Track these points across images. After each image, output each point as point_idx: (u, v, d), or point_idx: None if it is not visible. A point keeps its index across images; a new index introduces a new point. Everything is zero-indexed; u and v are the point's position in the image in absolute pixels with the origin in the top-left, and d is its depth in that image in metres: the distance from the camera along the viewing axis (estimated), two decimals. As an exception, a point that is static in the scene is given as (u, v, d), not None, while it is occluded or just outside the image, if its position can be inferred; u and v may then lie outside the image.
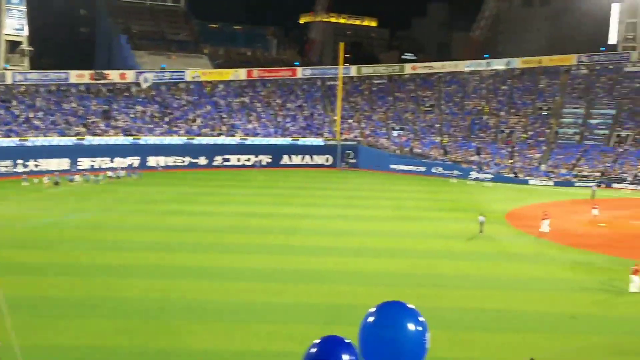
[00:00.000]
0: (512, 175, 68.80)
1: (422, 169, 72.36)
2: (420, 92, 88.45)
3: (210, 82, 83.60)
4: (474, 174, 68.79)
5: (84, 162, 64.12)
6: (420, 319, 4.58)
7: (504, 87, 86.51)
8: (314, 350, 4.61)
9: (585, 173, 67.67)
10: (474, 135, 79.24)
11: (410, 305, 4.67)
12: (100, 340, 19.40)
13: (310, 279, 26.66)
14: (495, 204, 49.23)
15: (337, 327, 21.41)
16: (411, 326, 4.54)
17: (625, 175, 66.00)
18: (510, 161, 71.91)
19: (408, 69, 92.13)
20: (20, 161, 60.98)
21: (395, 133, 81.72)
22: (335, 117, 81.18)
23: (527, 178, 67.63)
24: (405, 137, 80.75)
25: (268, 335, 20.03)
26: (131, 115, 74.02)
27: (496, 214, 43.86)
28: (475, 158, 73.36)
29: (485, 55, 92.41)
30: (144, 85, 76.50)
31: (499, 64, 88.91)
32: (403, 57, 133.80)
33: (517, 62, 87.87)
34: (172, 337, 19.76)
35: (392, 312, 4.70)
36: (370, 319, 4.65)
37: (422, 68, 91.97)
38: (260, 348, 19.15)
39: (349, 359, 4.54)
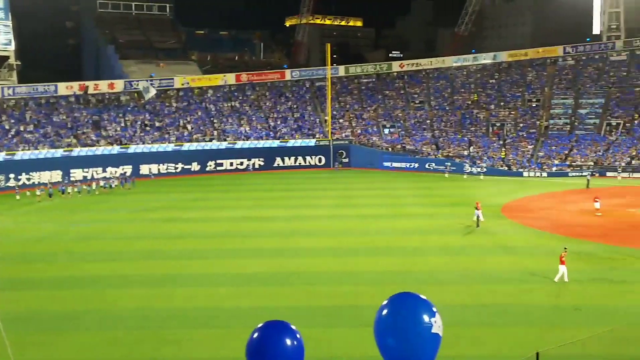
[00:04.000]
0: (505, 168, 69.13)
1: (416, 165, 72.55)
2: (409, 88, 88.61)
3: (199, 87, 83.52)
4: (467, 168, 68.92)
5: (77, 173, 63.88)
6: (431, 306, 5.07)
7: (492, 81, 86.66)
8: (255, 335, 4.84)
9: (578, 163, 67.75)
10: (465, 130, 79.48)
11: (419, 295, 5.12)
12: (95, 352, 19.32)
13: (309, 281, 26.60)
14: (490, 198, 49.08)
15: (338, 330, 21.34)
16: (422, 314, 4.97)
17: (617, 163, 65.95)
18: (503, 154, 71.97)
19: (396, 66, 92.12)
20: (12, 175, 60.53)
21: (386, 131, 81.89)
22: (326, 118, 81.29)
23: (521, 170, 67.90)
24: (397, 134, 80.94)
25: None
26: (122, 125, 73.82)
27: (492, 207, 43.77)
28: (467, 152, 73.44)
29: (472, 50, 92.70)
30: (147, 97, 75.77)
31: (486, 58, 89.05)
32: (390, 55, 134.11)
33: (504, 56, 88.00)
34: (171, 346, 19.61)
35: (403, 302, 5.13)
36: (384, 312, 5.04)
37: (409, 65, 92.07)
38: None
39: (290, 343, 4.76)
